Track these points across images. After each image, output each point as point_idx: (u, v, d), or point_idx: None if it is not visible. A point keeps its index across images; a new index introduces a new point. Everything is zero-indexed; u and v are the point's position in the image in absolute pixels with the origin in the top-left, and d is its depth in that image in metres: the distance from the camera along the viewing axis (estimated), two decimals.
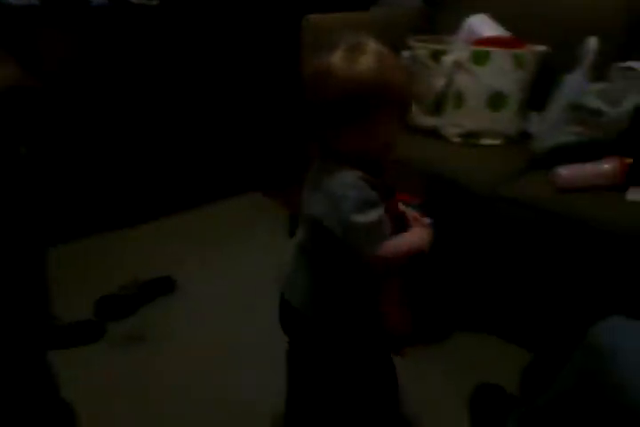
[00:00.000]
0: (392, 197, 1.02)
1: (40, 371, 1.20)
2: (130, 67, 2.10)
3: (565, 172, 1.46)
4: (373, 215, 0.92)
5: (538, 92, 1.79)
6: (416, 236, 1.01)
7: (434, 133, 1.85)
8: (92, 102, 2.08)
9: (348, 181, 0.91)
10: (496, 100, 1.74)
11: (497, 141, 1.78)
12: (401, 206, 1.07)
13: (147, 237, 2.22)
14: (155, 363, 1.59)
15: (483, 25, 1.90)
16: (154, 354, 1.62)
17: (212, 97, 2.36)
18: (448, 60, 1.77)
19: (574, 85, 1.58)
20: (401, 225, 1.03)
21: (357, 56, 0.88)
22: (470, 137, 1.78)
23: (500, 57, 1.73)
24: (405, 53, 1.90)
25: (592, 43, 1.59)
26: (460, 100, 1.78)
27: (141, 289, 1.82)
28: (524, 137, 1.77)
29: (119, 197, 2.24)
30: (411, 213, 1.07)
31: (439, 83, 1.80)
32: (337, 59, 0.88)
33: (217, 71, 2.33)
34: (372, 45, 0.91)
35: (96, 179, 2.18)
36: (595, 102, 1.53)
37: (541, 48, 1.80)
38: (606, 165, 1.43)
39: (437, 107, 1.83)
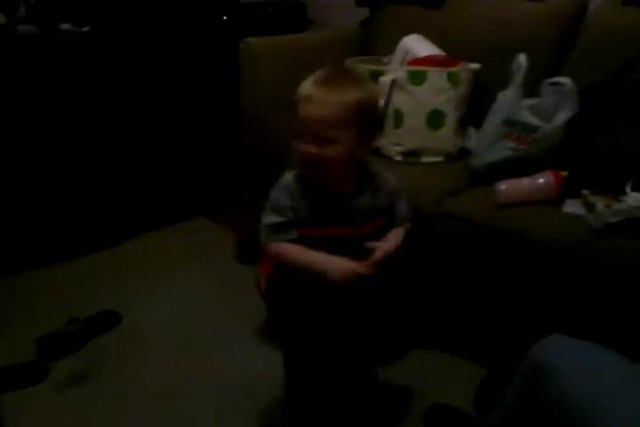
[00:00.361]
0: (356, 224, 1.11)
1: None
2: (61, 96, 2.04)
3: (503, 187, 1.48)
4: (271, 219, 1.07)
5: (474, 109, 1.83)
6: (332, 264, 1.05)
7: (376, 152, 1.85)
8: (27, 133, 2.01)
9: (280, 180, 1.10)
10: (434, 119, 1.77)
11: (438, 159, 1.80)
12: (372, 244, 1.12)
13: (90, 269, 2.14)
14: (100, 402, 1.52)
15: (417, 45, 1.93)
16: (99, 392, 1.55)
17: (152, 123, 2.31)
18: (386, 80, 1.78)
19: (508, 102, 1.61)
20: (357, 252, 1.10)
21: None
22: (411, 155, 1.79)
23: (436, 76, 1.76)
24: None
25: (522, 59, 1.63)
26: (399, 119, 1.79)
27: (85, 325, 1.75)
28: (464, 154, 1.79)
29: (58, 229, 2.16)
30: (377, 246, 1.13)
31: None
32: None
33: (155, 97, 2.29)
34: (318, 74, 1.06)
35: (33, 209, 2.09)
36: (528, 118, 1.57)
37: (474, 66, 1.84)
38: (541, 180, 1.46)
39: None
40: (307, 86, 1.04)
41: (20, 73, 1.93)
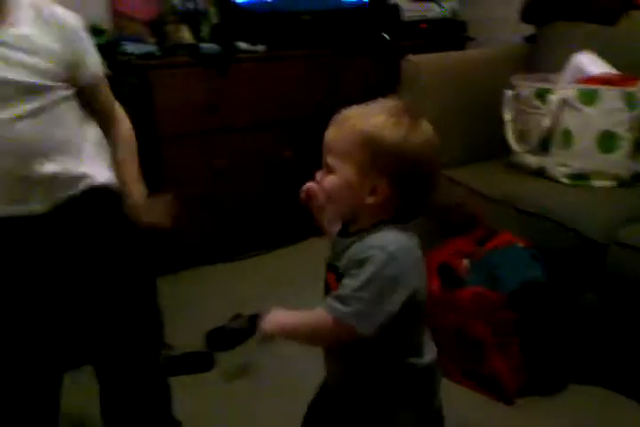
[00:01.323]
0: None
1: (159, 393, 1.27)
2: (237, 109, 2.20)
3: None
4: None
5: None
6: None
7: (540, 173, 1.81)
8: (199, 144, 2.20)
9: None
10: (606, 141, 1.69)
11: (609, 183, 1.72)
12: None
13: (253, 270, 2.29)
14: (260, 396, 1.63)
15: (590, 63, 1.85)
16: (260, 387, 1.67)
17: (295, 140, 2.40)
18: (554, 98, 1.73)
19: None
20: None
21: None
22: (580, 178, 1.73)
23: (610, 96, 1.68)
24: (508, 93, 1.89)
25: None
26: (567, 140, 1.73)
27: (249, 322, 1.87)
28: (639, 179, 1.69)
29: (224, 232, 2.34)
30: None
31: (545, 122, 1.76)
32: None
33: (315, 113, 2.39)
34: None
35: (201, 215, 2.27)
36: None
37: None
38: None
39: (543, 146, 1.80)
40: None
41: (202, 88, 2.12)
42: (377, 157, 0.83)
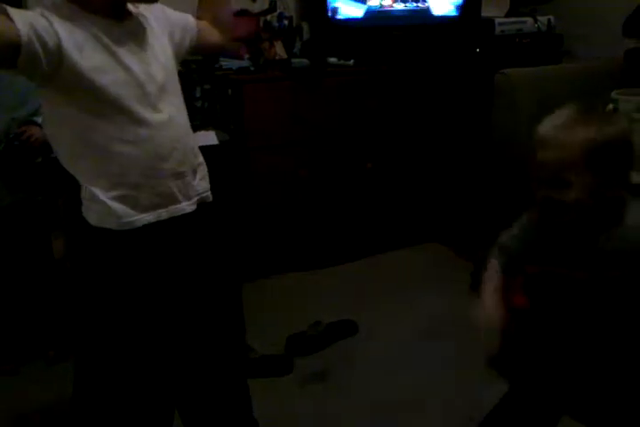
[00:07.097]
0: None
1: (239, 393, 1.28)
2: (321, 120, 2.25)
3: None
4: None
5: None
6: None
7: None
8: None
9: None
10: None
11: None
12: None
13: (336, 279, 2.33)
14: (333, 401, 1.65)
15: None
16: (334, 393, 1.68)
17: (399, 147, 2.41)
18: None
19: None
20: None
21: None
22: None
23: None
24: (609, 107, 1.81)
25: None
26: None
27: (327, 329, 1.90)
28: None
29: (309, 240, 2.38)
30: None
31: None
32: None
33: (406, 123, 2.40)
34: None
35: (297, 220, 2.33)
36: None
37: None
38: None
39: None
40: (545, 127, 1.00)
41: (291, 100, 2.17)
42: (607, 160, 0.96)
